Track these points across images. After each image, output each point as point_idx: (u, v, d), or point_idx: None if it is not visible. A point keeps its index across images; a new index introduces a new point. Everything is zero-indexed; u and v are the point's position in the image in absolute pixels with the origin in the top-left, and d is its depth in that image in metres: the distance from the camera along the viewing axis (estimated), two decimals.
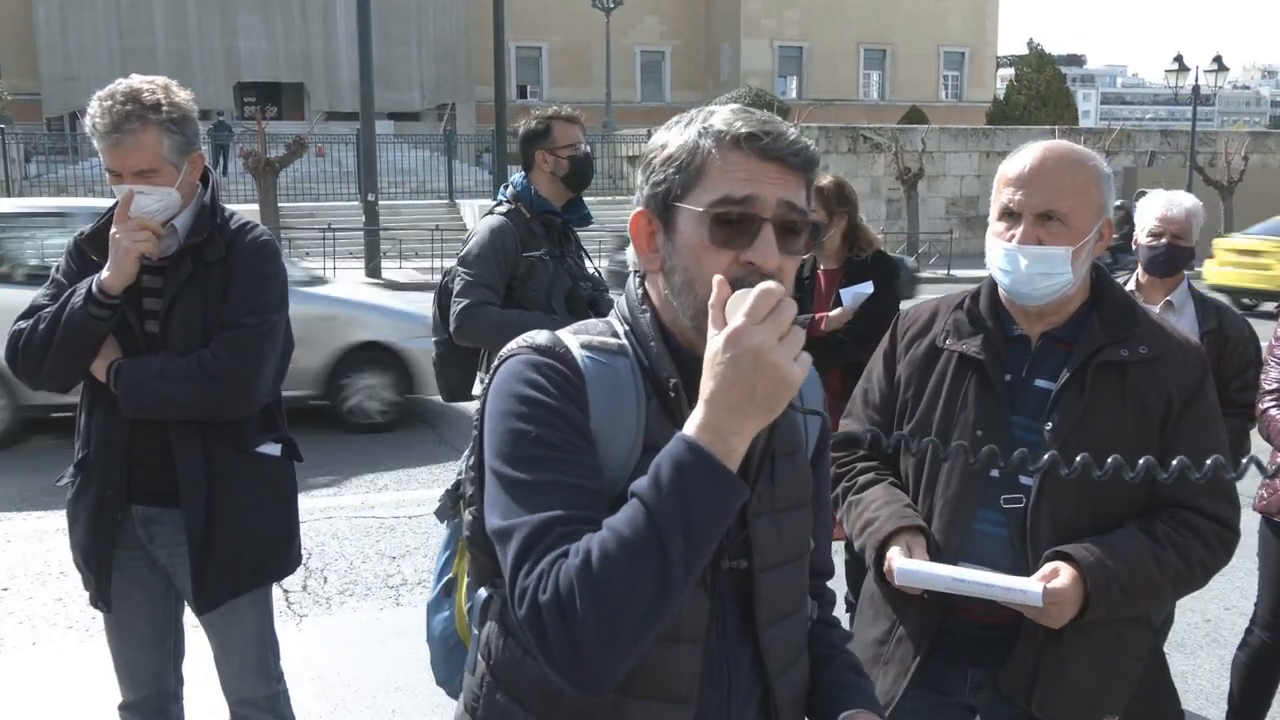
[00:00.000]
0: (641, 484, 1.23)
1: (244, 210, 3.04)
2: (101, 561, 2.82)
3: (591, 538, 1.23)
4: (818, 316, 4.44)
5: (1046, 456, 1.43)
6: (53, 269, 2.88)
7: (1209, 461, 1.31)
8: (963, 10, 51.72)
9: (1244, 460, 1.39)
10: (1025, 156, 2.08)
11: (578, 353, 1.39)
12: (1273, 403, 3.26)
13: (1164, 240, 3.53)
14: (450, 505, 1.71)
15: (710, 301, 1.26)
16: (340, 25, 39.03)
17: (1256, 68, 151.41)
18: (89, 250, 2.78)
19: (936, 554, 2.09)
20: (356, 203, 23.63)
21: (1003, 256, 2.08)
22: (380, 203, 20.99)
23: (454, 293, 3.74)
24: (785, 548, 1.47)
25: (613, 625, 1.19)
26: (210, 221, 2.74)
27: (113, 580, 2.85)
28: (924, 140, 26.99)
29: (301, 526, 3.04)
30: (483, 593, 1.49)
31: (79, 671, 4.28)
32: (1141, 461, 1.34)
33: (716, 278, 1.28)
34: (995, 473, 2.10)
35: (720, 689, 1.42)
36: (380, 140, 22.44)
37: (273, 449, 2.89)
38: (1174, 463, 1.33)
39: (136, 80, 2.67)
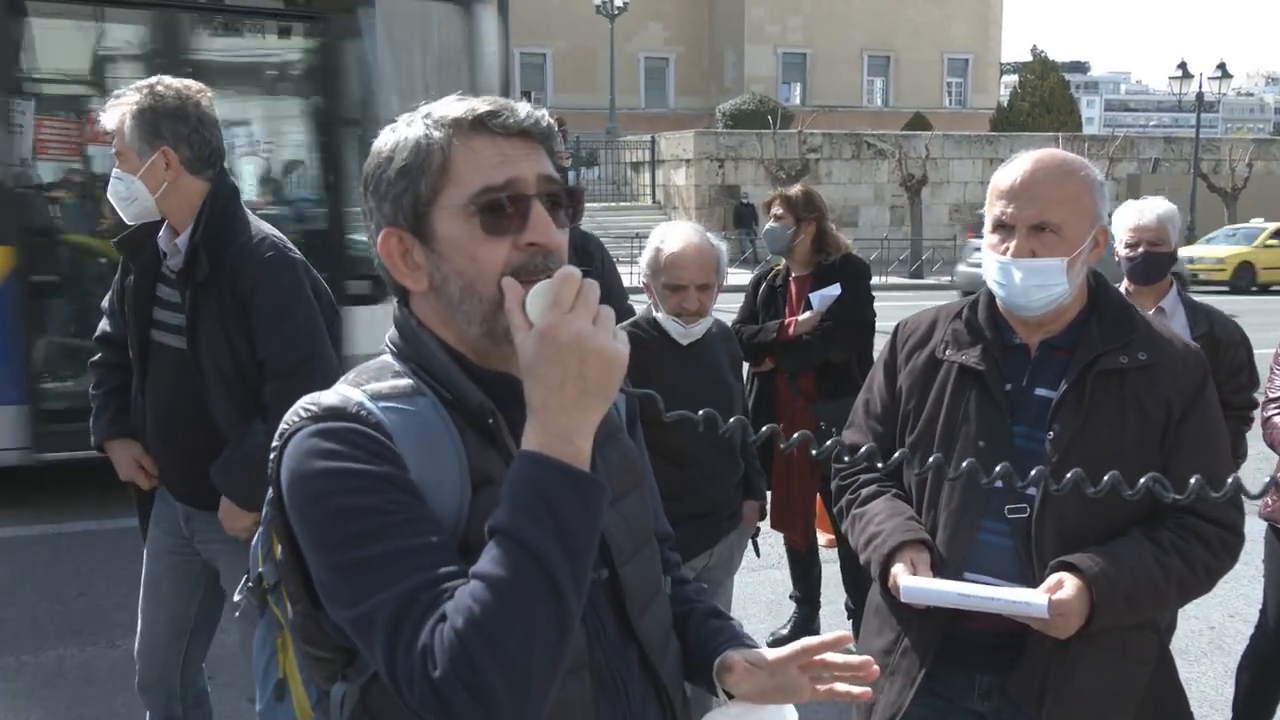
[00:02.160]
0: (500, 518, 1.14)
1: None
2: (142, 511, 3.04)
3: (465, 593, 1.12)
4: (786, 321, 4.50)
5: (1035, 471, 1.41)
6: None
7: (1230, 480, 1.30)
8: (966, 17, 51.75)
9: (1229, 481, 1.36)
10: (1016, 168, 2.08)
11: (372, 405, 1.25)
12: (1276, 410, 3.27)
13: (1140, 249, 3.54)
14: (257, 603, 1.45)
15: (507, 305, 1.21)
16: None
17: (1261, 74, 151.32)
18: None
19: (941, 565, 2.10)
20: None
21: (997, 270, 2.08)
22: None
23: None
24: (635, 534, 1.42)
25: (522, 675, 1.10)
26: (194, 239, 2.69)
27: (149, 561, 2.99)
28: (927, 147, 27.03)
29: None
30: (338, 689, 1.33)
31: (76, 674, 4.28)
32: (1143, 480, 1.32)
33: (506, 280, 1.22)
34: (999, 482, 2.10)
35: (619, 703, 1.36)
36: None
37: None
38: (1141, 481, 1.31)
39: (155, 78, 2.76)
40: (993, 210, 2.11)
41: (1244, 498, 1.35)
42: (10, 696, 4.09)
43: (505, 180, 1.26)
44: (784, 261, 4.68)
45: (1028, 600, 1.94)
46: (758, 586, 5.18)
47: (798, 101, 47.20)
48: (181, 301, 2.72)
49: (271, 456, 1.29)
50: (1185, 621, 4.72)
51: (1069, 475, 1.37)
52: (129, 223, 2.78)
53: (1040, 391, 2.11)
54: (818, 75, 50.03)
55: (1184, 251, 8.99)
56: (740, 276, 6.32)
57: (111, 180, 2.73)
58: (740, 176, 28.07)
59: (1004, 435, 2.09)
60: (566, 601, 1.13)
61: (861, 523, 2.23)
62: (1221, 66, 32.42)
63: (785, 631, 4.73)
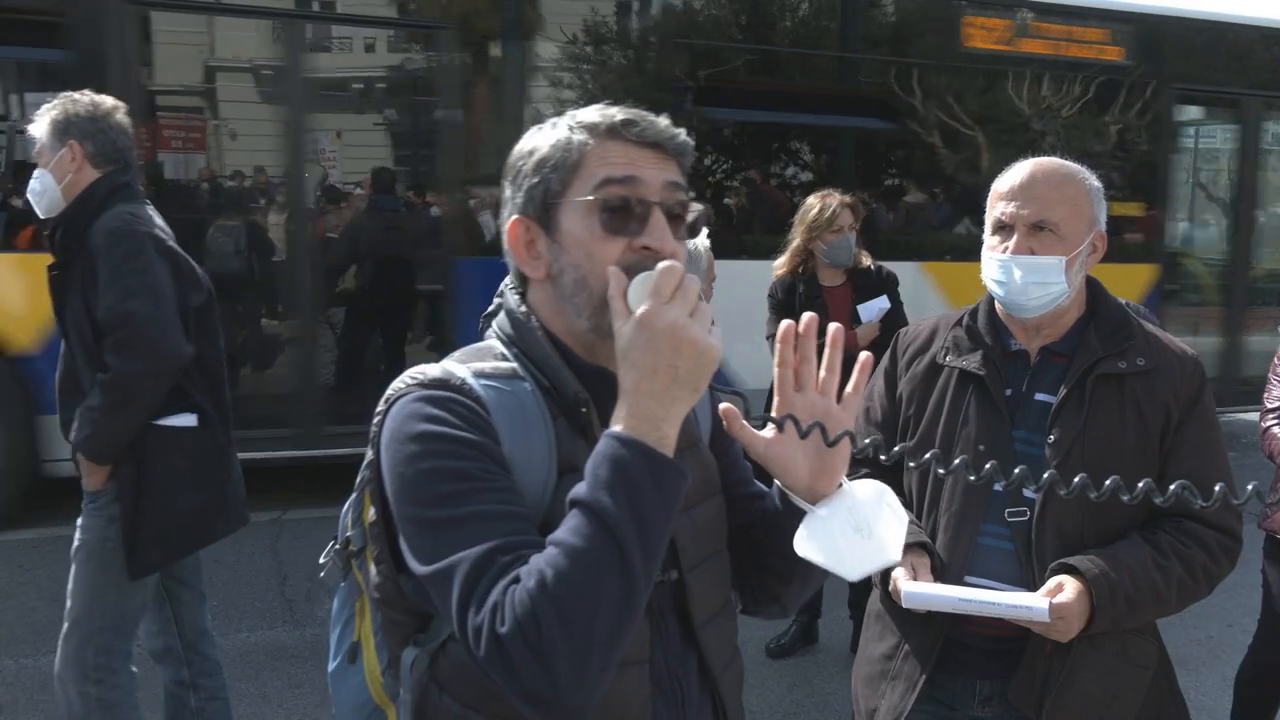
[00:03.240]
0: (581, 490, 1.17)
1: None
2: None
3: (540, 557, 1.16)
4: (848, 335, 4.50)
5: (1046, 475, 1.42)
6: None
7: (1216, 489, 1.31)
8: None
9: (1249, 489, 1.37)
10: (1016, 172, 2.13)
11: (474, 382, 1.32)
12: (1275, 420, 3.29)
13: None
14: (341, 567, 1.52)
15: (609, 293, 1.24)
16: None
17: None
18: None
19: (942, 569, 2.11)
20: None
21: (997, 268, 2.11)
22: None
23: None
24: (704, 542, 1.44)
25: (585, 643, 1.12)
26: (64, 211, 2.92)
27: None
28: None
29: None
30: (409, 653, 1.39)
31: None
32: (1141, 485, 1.33)
33: (611, 268, 1.26)
34: (999, 486, 2.10)
35: (673, 704, 1.39)
36: None
37: (186, 419, 2.97)
38: (1172, 487, 1.32)
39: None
40: (993, 212, 2.14)
41: (1259, 503, 1.35)
42: (9, 700, 4.09)
43: (624, 175, 1.31)
44: (786, 269, 4.68)
45: (1028, 604, 1.95)
46: None
47: None
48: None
49: (375, 421, 1.34)
50: (1184, 631, 4.73)
51: (1076, 480, 1.38)
52: (41, 216, 2.99)
53: (1040, 396, 2.13)
54: None
55: None
56: None
57: (30, 180, 2.96)
58: None
59: (1004, 440, 2.10)
60: (635, 579, 1.15)
61: None
62: None
63: (785, 640, 4.74)
